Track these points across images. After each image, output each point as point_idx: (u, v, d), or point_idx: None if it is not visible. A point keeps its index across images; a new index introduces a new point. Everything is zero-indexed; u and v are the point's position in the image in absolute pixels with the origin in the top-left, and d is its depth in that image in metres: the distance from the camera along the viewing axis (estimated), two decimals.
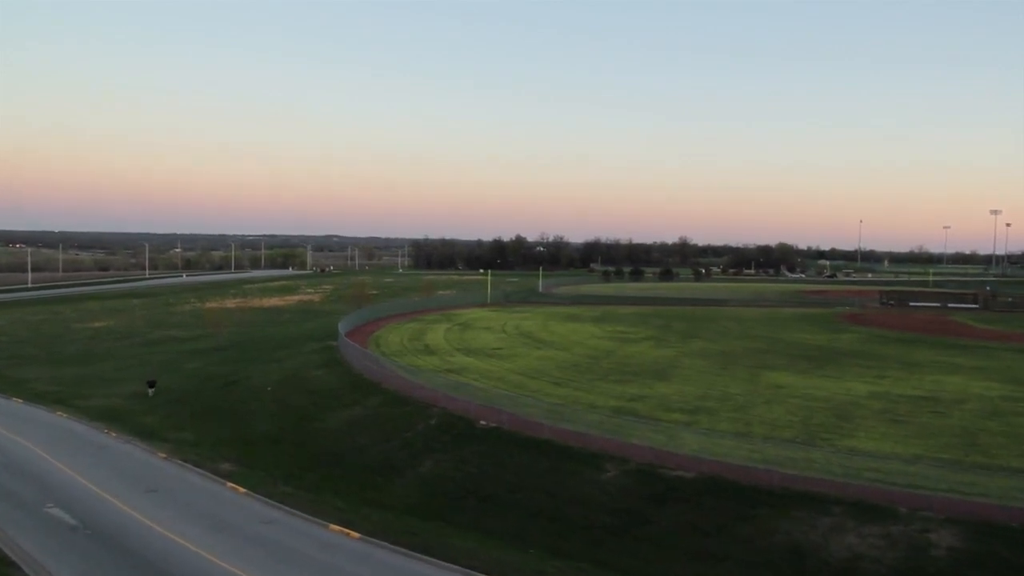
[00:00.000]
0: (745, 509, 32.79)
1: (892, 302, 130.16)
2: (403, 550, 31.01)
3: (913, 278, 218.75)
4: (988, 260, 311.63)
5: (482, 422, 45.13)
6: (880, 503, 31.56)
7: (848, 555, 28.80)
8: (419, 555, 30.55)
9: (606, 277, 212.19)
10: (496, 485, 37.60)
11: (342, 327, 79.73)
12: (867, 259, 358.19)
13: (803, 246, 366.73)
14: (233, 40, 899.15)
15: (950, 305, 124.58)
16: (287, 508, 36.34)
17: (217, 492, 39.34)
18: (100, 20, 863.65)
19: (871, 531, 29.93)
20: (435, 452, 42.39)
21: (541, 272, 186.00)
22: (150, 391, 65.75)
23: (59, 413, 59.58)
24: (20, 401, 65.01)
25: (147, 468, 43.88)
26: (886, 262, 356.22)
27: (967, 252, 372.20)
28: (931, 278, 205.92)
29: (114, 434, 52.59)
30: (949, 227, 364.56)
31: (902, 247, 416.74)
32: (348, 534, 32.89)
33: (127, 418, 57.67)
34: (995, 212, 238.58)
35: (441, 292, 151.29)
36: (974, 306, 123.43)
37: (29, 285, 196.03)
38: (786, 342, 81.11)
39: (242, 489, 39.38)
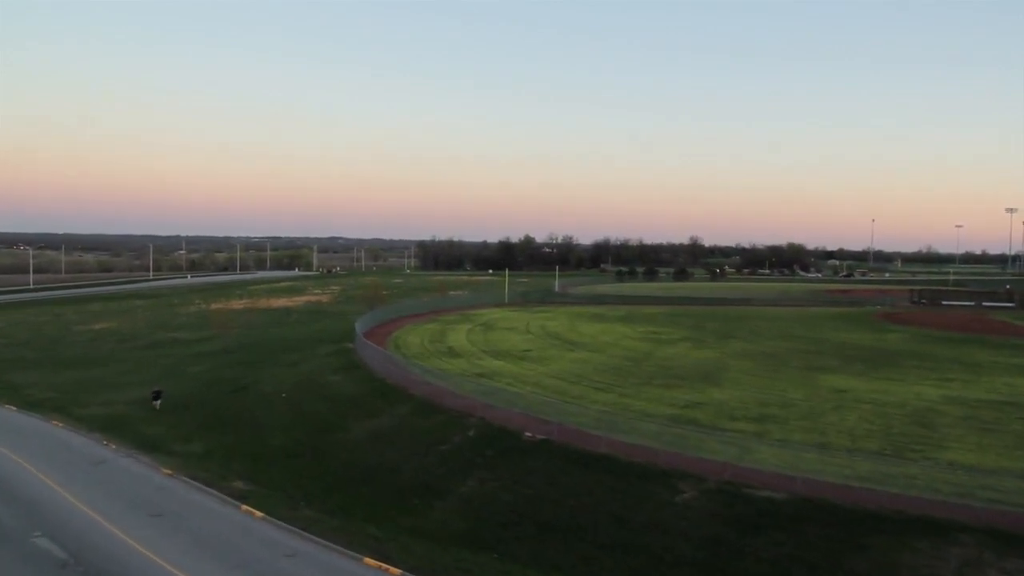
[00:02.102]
0: (855, 538, 27.85)
1: (924, 301, 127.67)
2: None
3: (932, 277, 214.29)
4: (1000, 259, 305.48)
5: (527, 434, 39.97)
6: (1018, 530, 26.86)
7: None
8: None
9: (620, 277, 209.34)
10: (554, 509, 32.20)
11: (359, 327, 74.80)
12: (876, 259, 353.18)
13: (811, 246, 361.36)
14: (233, 40, 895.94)
15: (985, 304, 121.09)
16: (313, 537, 31.05)
17: (230, 517, 34.10)
18: (100, 20, 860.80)
19: (1017, 566, 25.00)
20: (478, 469, 37.00)
21: (557, 272, 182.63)
22: (156, 403, 58.14)
23: (55, 422, 54.62)
24: (13, 409, 60.12)
25: (150, 487, 38.65)
26: (899, 262, 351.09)
27: (978, 251, 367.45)
28: (952, 277, 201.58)
29: (114, 446, 47.50)
30: (961, 226, 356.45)
31: (910, 247, 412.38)
32: (387, 570, 27.63)
33: (128, 428, 52.49)
34: (1011, 210, 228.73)
35: (453, 292, 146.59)
36: (1010, 305, 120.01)
37: (31, 286, 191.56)
38: (831, 342, 76.64)
39: (259, 513, 34.18)
